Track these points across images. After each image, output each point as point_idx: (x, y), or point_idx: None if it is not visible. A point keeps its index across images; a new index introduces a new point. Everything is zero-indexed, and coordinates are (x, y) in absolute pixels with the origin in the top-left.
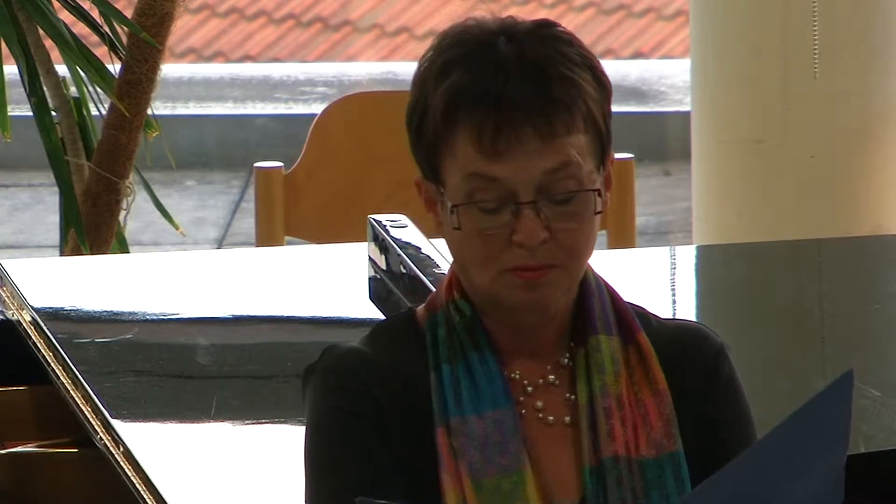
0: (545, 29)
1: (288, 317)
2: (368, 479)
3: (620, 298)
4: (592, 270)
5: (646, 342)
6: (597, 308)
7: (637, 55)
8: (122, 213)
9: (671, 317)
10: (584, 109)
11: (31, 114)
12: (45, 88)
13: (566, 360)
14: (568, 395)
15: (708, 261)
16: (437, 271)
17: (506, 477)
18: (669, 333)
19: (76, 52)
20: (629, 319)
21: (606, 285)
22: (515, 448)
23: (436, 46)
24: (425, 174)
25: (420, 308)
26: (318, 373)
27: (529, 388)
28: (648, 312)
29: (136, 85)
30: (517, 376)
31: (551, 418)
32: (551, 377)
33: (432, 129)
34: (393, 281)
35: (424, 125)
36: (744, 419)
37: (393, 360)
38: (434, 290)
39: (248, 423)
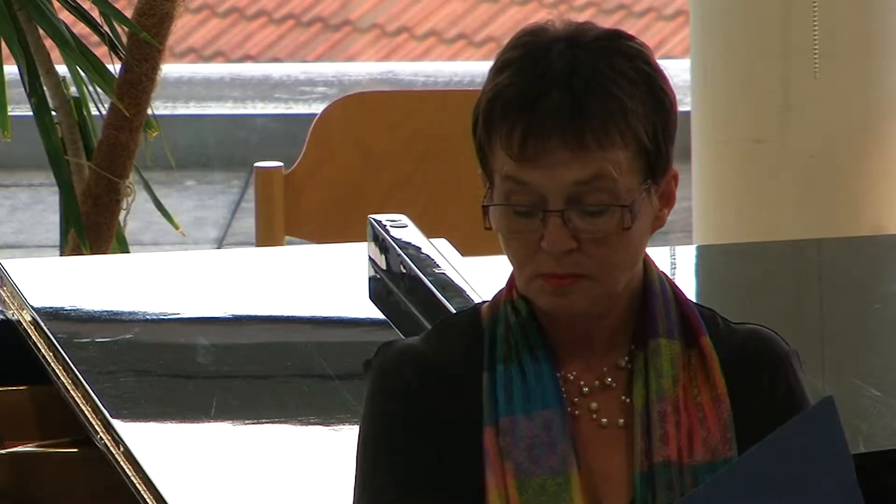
0: (609, 40)
1: (288, 317)
2: (411, 483)
3: (687, 300)
4: (658, 271)
5: (708, 346)
6: (659, 311)
7: None
8: (122, 213)
9: (742, 321)
10: (622, 126)
11: (31, 114)
12: (45, 88)
13: (625, 362)
14: (623, 397)
15: (708, 261)
16: (436, 271)
17: (551, 478)
18: (737, 338)
19: (76, 52)
20: (694, 322)
21: (673, 286)
22: (563, 449)
23: (506, 45)
24: (483, 169)
25: (485, 305)
26: (373, 369)
27: (585, 389)
28: (718, 315)
29: (136, 85)
30: (573, 377)
31: (605, 420)
32: (608, 379)
33: (479, 127)
34: (393, 281)
35: (476, 123)
36: None
37: (449, 358)
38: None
39: (248, 423)
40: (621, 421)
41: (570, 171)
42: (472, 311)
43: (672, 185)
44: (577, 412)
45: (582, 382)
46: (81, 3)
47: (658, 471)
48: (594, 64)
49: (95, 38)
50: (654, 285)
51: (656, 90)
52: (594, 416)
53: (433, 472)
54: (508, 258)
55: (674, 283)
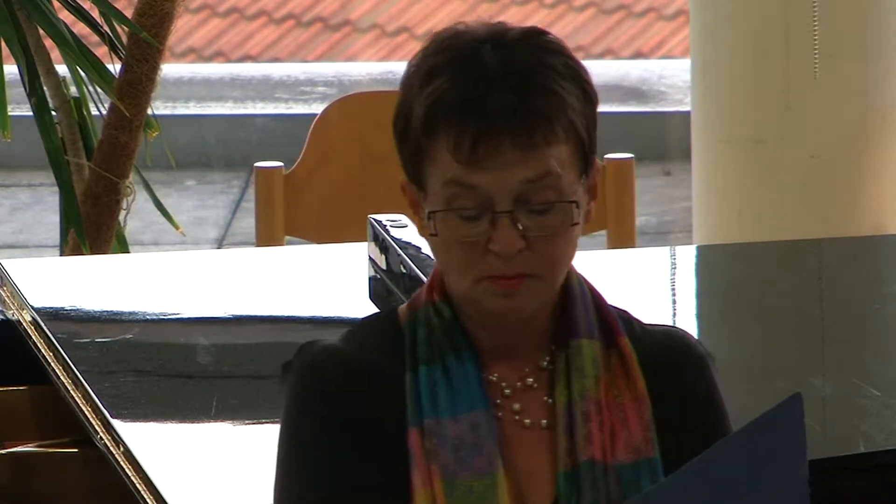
0: (533, 38)
1: (288, 317)
2: (336, 484)
3: (605, 302)
4: (577, 274)
5: (627, 346)
6: (580, 312)
7: (637, 55)
8: (123, 213)
9: (655, 323)
10: (564, 120)
11: (31, 114)
12: (45, 88)
13: (546, 363)
14: (546, 398)
15: (708, 261)
16: None
17: (478, 479)
18: (653, 339)
19: (76, 52)
20: (612, 323)
21: (591, 288)
22: (490, 451)
23: (423, 51)
24: (409, 178)
25: (402, 307)
26: (294, 371)
27: (507, 391)
28: (633, 317)
29: (136, 85)
30: (495, 378)
31: (528, 421)
32: (530, 380)
33: (414, 134)
34: (393, 281)
35: (408, 130)
36: (722, 429)
37: (370, 359)
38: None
39: (248, 423)
40: (544, 421)
41: (519, 170)
42: (390, 314)
43: (596, 178)
44: (500, 414)
45: (504, 384)
46: (81, 3)
47: (583, 470)
48: (527, 62)
49: (95, 38)
50: (573, 286)
51: (583, 84)
52: (517, 417)
53: (360, 473)
54: (443, 263)
55: (591, 284)
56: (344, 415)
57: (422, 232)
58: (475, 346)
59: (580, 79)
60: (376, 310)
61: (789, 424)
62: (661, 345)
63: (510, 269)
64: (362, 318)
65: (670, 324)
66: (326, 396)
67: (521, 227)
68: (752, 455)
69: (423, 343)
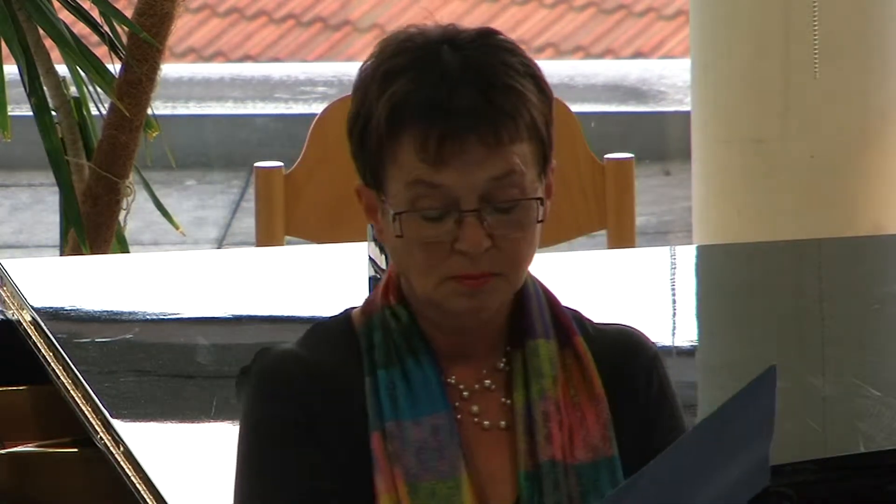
0: (488, 38)
1: (288, 317)
2: (300, 489)
3: (558, 302)
4: (530, 275)
5: (582, 346)
6: (535, 312)
7: (637, 55)
8: (123, 213)
9: (606, 322)
10: (527, 118)
11: (31, 114)
12: (45, 88)
13: (502, 364)
14: (504, 399)
15: (708, 261)
16: None
17: (442, 482)
18: (605, 338)
19: (76, 52)
20: (566, 323)
21: (544, 289)
22: (452, 453)
23: (377, 54)
24: (367, 181)
25: (356, 311)
26: (252, 377)
27: (466, 393)
28: (584, 317)
29: (136, 85)
30: (453, 381)
31: (487, 423)
32: (487, 382)
33: (375, 136)
34: None
35: (367, 133)
36: (678, 425)
37: (328, 363)
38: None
39: None
40: (503, 423)
41: (485, 168)
42: (344, 318)
43: (552, 177)
44: (459, 416)
45: (462, 386)
46: (81, 3)
47: (544, 470)
48: (487, 61)
49: (95, 38)
50: (528, 287)
51: (540, 82)
52: (476, 419)
53: (323, 478)
54: (405, 265)
55: (543, 284)
56: (305, 419)
57: (380, 236)
58: (433, 349)
59: (537, 77)
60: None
61: (764, 397)
62: (614, 344)
63: (476, 269)
64: (315, 323)
65: (621, 322)
66: (287, 401)
67: (486, 226)
68: (729, 432)
69: (381, 347)
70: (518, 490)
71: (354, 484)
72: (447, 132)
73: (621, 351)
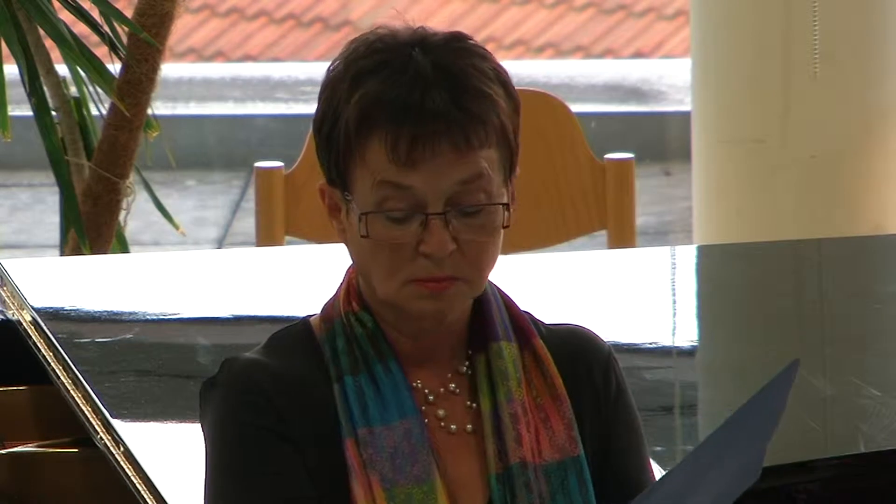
0: (458, 42)
1: (288, 317)
2: (276, 498)
3: (515, 304)
4: (488, 279)
5: (542, 347)
6: (495, 315)
7: (637, 55)
8: (123, 213)
9: (557, 322)
10: (497, 124)
11: (31, 114)
12: (45, 88)
13: (465, 368)
14: (469, 402)
15: (708, 261)
16: None
17: (417, 486)
18: (559, 339)
19: (76, 52)
20: (525, 325)
21: (500, 292)
22: (425, 458)
23: (347, 55)
24: (331, 181)
25: (314, 318)
26: (221, 387)
27: (431, 397)
28: (536, 319)
29: (136, 85)
30: (419, 385)
31: (454, 427)
32: (451, 385)
33: (343, 136)
34: None
35: (335, 132)
36: (634, 422)
37: (294, 370)
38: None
39: None
40: (469, 427)
41: (453, 172)
42: (302, 326)
43: (514, 185)
44: (426, 420)
45: (427, 391)
46: (81, 3)
47: (515, 472)
48: (459, 64)
49: (95, 38)
50: (486, 291)
51: (510, 88)
52: (442, 423)
53: (301, 485)
54: (367, 266)
55: (499, 287)
56: (278, 427)
57: (341, 235)
58: (397, 354)
59: (507, 83)
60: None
61: (782, 390)
62: (567, 344)
63: (440, 272)
64: (275, 332)
65: (571, 322)
66: (258, 409)
67: (452, 229)
68: (747, 424)
69: (344, 353)
70: (489, 493)
71: (329, 491)
72: (418, 134)
73: (577, 351)
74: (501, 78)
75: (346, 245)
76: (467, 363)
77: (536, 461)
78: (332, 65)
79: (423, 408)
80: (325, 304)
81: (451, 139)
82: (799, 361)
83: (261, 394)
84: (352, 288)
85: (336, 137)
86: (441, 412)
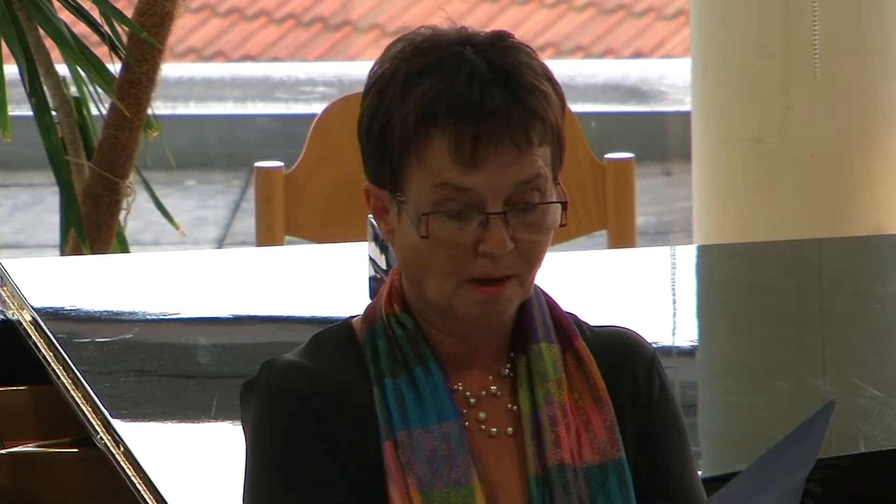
0: (504, 40)
1: (288, 317)
2: (316, 500)
3: (557, 306)
4: None
5: (584, 349)
6: (536, 316)
7: (637, 55)
8: (123, 213)
9: (602, 324)
10: (551, 120)
11: (31, 114)
12: (45, 88)
13: (507, 370)
14: (510, 405)
15: (708, 261)
16: None
17: (455, 490)
18: (603, 341)
19: (76, 52)
20: (567, 327)
21: (544, 293)
22: (463, 461)
23: (394, 56)
24: (380, 182)
25: (356, 320)
26: (261, 389)
27: (472, 400)
28: (581, 320)
29: (136, 85)
30: (460, 388)
31: (494, 430)
32: (493, 388)
33: (399, 136)
34: None
35: (387, 132)
36: (679, 426)
37: (333, 373)
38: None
39: None
40: (510, 429)
41: (515, 170)
42: (345, 327)
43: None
44: (466, 423)
45: (469, 393)
46: (81, 3)
47: (553, 474)
48: (511, 62)
49: (95, 37)
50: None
51: (556, 85)
52: (483, 426)
53: (338, 489)
54: (420, 267)
55: (542, 289)
56: (316, 430)
57: (388, 237)
58: (439, 356)
59: (553, 80)
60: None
61: (818, 429)
62: (611, 345)
63: (498, 271)
64: (317, 333)
65: (617, 324)
66: (296, 413)
67: (510, 228)
68: (782, 462)
69: (385, 355)
70: (528, 496)
71: (367, 494)
72: (482, 133)
73: (621, 353)
74: (549, 75)
75: (394, 246)
76: (509, 365)
77: (576, 463)
78: (376, 66)
79: (465, 410)
80: (368, 306)
81: (514, 137)
82: (835, 402)
83: (298, 397)
84: (394, 290)
85: (389, 138)
86: (482, 415)
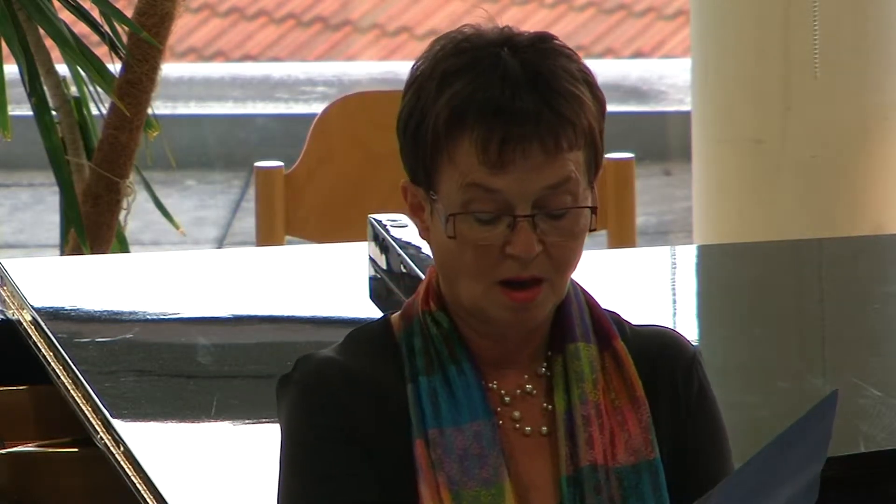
0: (546, 42)
1: (288, 317)
2: (345, 498)
3: (598, 305)
4: (571, 279)
5: (622, 349)
6: (575, 316)
7: (637, 55)
8: (123, 213)
9: (644, 324)
10: (585, 125)
11: (31, 114)
12: (45, 88)
13: (543, 369)
14: (545, 404)
15: (708, 261)
16: None
17: (485, 489)
18: (644, 341)
19: (76, 52)
20: (606, 326)
21: (584, 292)
22: (494, 460)
23: (434, 54)
24: (416, 179)
25: (395, 316)
26: (294, 384)
27: (507, 399)
28: (623, 319)
29: (136, 84)
30: (495, 386)
31: (528, 429)
32: (528, 387)
33: (432, 135)
34: (393, 281)
35: (422, 131)
36: (718, 427)
37: (368, 370)
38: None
39: (248, 423)
40: (544, 429)
41: (542, 175)
42: (383, 323)
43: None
44: (500, 422)
45: (503, 392)
46: (82, 3)
47: (585, 474)
48: (547, 65)
49: (95, 37)
50: (568, 291)
51: (596, 90)
52: (517, 425)
53: (369, 485)
54: (452, 268)
55: (583, 287)
56: (349, 427)
57: (424, 234)
58: (474, 355)
59: (593, 84)
60: (376, 311)
61: (824, 420)
62: (651, 345)
63: (525, 272)
64: (354, 329)
65: (659, 324)
66: (328, 410)
67: (539, 232)
68: (789, 455)
69: (421, 353)
70: (560, 495)
71: (397, 491)
72: (510, 136)
73: (660, 352)
74: (588, 79)
75: (429, 244)
76: (546, 364)
77: (609, 464)
78: (416, 63)
79: (499, 409)
80: (406, 303)
81: (542, 141)
82: (837, 392)
83: (331, 393)
84: (431, 287)
85: (423, 136)
86: (516, 414)
